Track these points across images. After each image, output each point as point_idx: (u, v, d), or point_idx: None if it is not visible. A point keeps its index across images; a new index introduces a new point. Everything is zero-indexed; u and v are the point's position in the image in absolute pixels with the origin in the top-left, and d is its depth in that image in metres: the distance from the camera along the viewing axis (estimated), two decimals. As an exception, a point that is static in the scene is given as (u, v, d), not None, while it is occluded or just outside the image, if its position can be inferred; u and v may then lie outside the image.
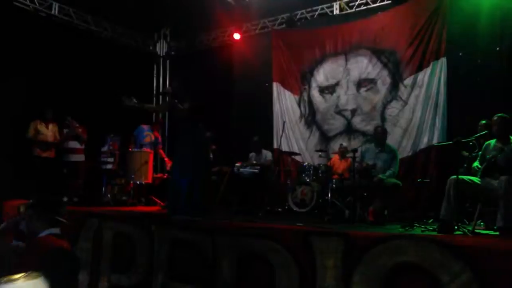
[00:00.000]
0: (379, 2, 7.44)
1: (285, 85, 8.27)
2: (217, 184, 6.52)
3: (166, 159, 8.00)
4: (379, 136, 5.59)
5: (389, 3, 7.28)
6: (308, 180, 6.23)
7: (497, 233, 3.72)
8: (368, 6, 7.56)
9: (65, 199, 6.58)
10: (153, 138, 7.57)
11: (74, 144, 7.17)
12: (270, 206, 6.35)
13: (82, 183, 7.22)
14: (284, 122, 7.62)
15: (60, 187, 6.80)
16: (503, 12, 6.09)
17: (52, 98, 7.41)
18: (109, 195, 6.88)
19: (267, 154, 6.90)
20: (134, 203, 6.73)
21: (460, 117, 6.26)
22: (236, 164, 6.60)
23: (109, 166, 7.26)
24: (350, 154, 5.42)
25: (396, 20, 7.14)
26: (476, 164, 4.29)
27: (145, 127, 7.60)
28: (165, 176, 7.89)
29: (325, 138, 7.73)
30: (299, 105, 8.10)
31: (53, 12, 8.08)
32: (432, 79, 6.67)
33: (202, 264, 3.85)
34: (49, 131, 6.97)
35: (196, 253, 3.91)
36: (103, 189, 6.84)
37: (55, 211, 2.79)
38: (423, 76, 6.77)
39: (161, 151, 8.01)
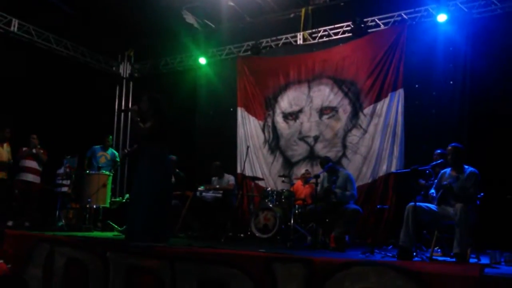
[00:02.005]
0: (341, 34, 7.74)
1: (250, 110, 8.33)
2: (178, 209, 6.37)
3: None
4: (330, 170, 5.66)
5: (350, 35, 7.58)
6: (271, 205, 6.21)
7: (454, 259, 3.82)
8: (330, 38, 7.85)
9: (9, 223, 6.22)
10: (108, 157, 7.34)
11: (32, 164, 6.86)
12: (233, 231, 6.26)
13: (35, 207, 6.86)
14: (248, 147, 7.64)
15: (6, 210, 6.42)
16: (455, 48, 6.49)
17: (9, 116, 7.10)
18: (63, 220, 6.56)
19: (230, 178, 6.85)
20: (89, 228, 6.45)
21: (416, 146, 6.51)
22: (199, 188, 6.51)
23: (64, 189, 6.96)
24: (313, 180, 5.46)
25: (356, 52, 7.43)
26: (432, 191, 4.44)
27: (98, 147, 7.37)
28: (123, 200, 7.66)
29: (289, 164, 7.79)
30: (263, 131, 8.16)
31: (12, 29, 7.83)
32: (390, 109, 6.93)
33: (161, 292, 3.69)
34: (3, 151, 6.65)
35: (155, 280, 3.75)
36: (57, 213, 6.52)
37: None
38: (382, 106, 7.02)
39: None
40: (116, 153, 7.57)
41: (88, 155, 7.31)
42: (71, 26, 8.23)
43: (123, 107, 10.07)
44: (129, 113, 4.52)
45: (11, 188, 6.68)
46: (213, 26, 8.72)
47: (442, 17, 6.66)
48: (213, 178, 6.95)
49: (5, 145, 6.71)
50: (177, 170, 6.81)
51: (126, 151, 7.22)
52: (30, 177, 6.87)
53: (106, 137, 7.48)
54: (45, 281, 4.31)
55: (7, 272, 3.94)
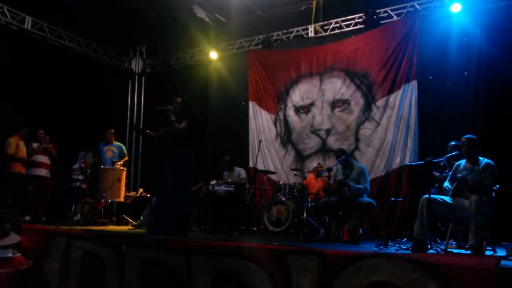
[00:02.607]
0: (352, 26, 7.66)
1: (261, 104, 8.33)
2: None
3: None
4: (344, 162, 5.63)
5: (362, 27, 7.50)
6: (283, 199, 6.22)
7: (469, 251, 3.79)
8: (342, 30, 7.78)
9: (27, 218, 6.34)
10: (115, 150, 7.39)
11: (43, 159, 6.99)
12: (245, 225, 6.29)
13: (48, 201, 6.99)
14: (260, 141, 7.64)
15: (22, 205, 6.55)
16: (469, 38, 6.39)
17: (23, 113, 7.22)
18: (78, 214, 6.66)
19: (240, 172, 6.86)
20: (105, 222, 6.54)
21: (431, 138, 6.45)
22: (211, 182, 6.54)
23: (80, 184, 7.05)
24: (325, 173, 5.46)
25: (369, 44, 7.35)
26: (446, 184, 4.39)
27: (101, 144, 7.43)
28: (137, 195, 7.73)
29: (301, 157, 7.79)
30: (275, 124, 8.15)
31: (25, 26, 7.93)
32: (403, 101, 6.86)
33: (176, 285, 3.73)
34: (24, 147, 6.82)
35: (170, 273, 3.80)
36: (73, 207, 6.61)
37: None
38: (395, 98, 6.95)
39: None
40: (123, 146, 7.61)
41: (97, 155, 7.39)
42: (83, 23, 8.30)
43: (135, 103, 10.15)
44: (165, 112, 4.59)
45: (26, 184, 6.80)
46: (224, 20, 8.70)
47: (456, 7, 6.54)
48: (224, 173, 6.98)
49: (21, 143, 6.85)
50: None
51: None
52: (43, 172, 7.00)
53: (107, 131, 7.54)
54: (62, 274, 4.40)
55: (29, 265, 4.02)
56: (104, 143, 7.40)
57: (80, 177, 7.03)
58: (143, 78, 10.33)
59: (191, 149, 4.69)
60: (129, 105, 10.17)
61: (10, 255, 2.59)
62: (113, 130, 7.49)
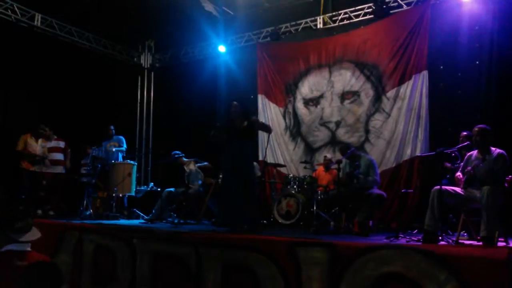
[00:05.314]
0: (362, 17, 7.57)
1: (270, 97, 8.30)
2: (202, 196, 6.45)
3: None
4: (352, 156, 5.58)
5: (371, 17, 7.41)
6: (293, 191, 6.21)
7: (481, 242, 3.75)
8: (351, 21, 7.69)
9: (39, 212, 6.44)
10: (117, 144, 7.47)
11: (59, 156, 7.07)
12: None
13: (60, 196, 7.09)
14: (269, 134, 7.62)
15: (32, 201, 6.65)
16: (481, 27, 6.27)
17: (35, 110, 7.31)
18: (90, 209, 6.75)
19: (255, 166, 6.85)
20: (116, 216, 6.61)
21: (442, 128, 6.36)
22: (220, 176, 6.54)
23: (90, 179, 7.12)
24: (335, 166, 5.42)
25: (378, 34, 7.26)
26: (458, 174, 4.34)
27: (104, 142, 7.52)
28: (148, 188, 7.80)
29: (310, 150, 7.76)
30: (284, 117, 8.13)
31: (35, 23, 7.99)
32: (414, 91, 6.78)
33: (186, 277, 3.77)
34: (38, 146, 6.88)
35: (180, 266, 3.84)
36: (84, 202, 6.70)
37: (7, 227, 2.63)
38: (405, 89, 6.87)
39: None
40: (123, 139, 7.68)
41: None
42: (92, 18, 8.33)
43: (145, 98, 10.20)
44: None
45: (40, 180, 6.89)
46: (232, 13, 8.66)
47: (467, -5, 6.43)
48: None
49: (40, 140, 6.94)
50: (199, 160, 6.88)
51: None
52: (59, 169, 7.09)
53: (107, 127, 7.63)
54: (75, 267, 4.48)
55: (46, 259, 4.07)
56: (105, 140, 7.51)
57: (90, 172, 7.10)
58: (152, 73, 10.37)
59: (253, 145, 5.26)
60: (138, 100, 10.22)
61: (29, 249, 2.63)
62: (111, 126, 7.59)
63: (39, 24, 8.04)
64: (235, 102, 5.09)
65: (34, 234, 2.75)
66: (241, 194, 4.67)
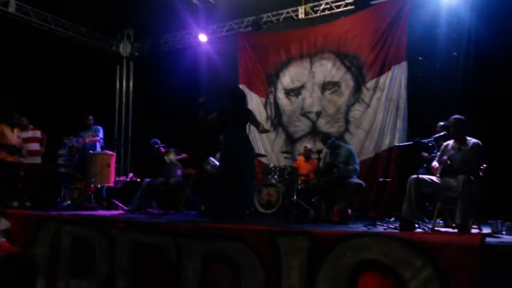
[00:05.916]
0: (343, 7, 7.59)
1: (251, 87, 8.27)
2: (182, 187, 6.41)
3: None
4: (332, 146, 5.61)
5: (352, 8, 7.43)
6: (274, 181, 6.23)
7: (455, 230, 3.84)
8: (332, 11, 7.70)
9: (15, 203, 6.31)
10: (95, 134, 7.36)
11: (35, 146, 6.92)
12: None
13: (37, 187, 6.95)
14: (250, 124, 7.59)
15: (7, 191, 6.51)
16: (460, 19, 6.36)
17: (14, 99, 7.12)
18: (68, 200, 6.63)
19: None
20: (94, 207, 6.52)
21: (420, 119, 6.47)
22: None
23: (68, 169, 6.99)
24: (315, 156, 5.45)
25: (359, 25, 7.30)
26: (434, 164, 4.42)
27: (82, 132, 7.40)
28: (128, 179, 7.70)
29: (291, 140, 7.79)
30: (265, 107, 8.13)
31: (9, 10, 7.73)
32: (393, 82, 6.85)
33: (166, 268, 3.75)
34: (14, 135, 6.71)
35: (160, 256, 3.81)
36: (62, 192, 6.58)
37: None
38: (384, 79, 6.94)
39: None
40: (101, 129, 7.57)
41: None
42: (68, 5, 8.11)
43: (124, 87, 10.03)
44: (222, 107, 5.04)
45: (18, 171, 6.74)
46: (213, 1, 8.57)
47: (445, -14, 6.49)
48: (217, 154, 6.94)
49: (15, 130, 6.76)
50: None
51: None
52: (36, 159, 6.94)
53: (86, 117, 7.51)
54: (52, 259, 4.40)
55: (16, 251, 4.00)
56: (83, 130, 7.38)
57: (68, 162, 6.97)
58: (131, 62, 10.19)
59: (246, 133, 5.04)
60: (117, 90, 10.05)
61: (3, 239, 2.56)
62: (90, 116, 7.47)
63: (13, 11, 7.78)
64: (241, 86, 5.04)
65: (3, 224, 2.69)
66: (240, 183, 4.60)
